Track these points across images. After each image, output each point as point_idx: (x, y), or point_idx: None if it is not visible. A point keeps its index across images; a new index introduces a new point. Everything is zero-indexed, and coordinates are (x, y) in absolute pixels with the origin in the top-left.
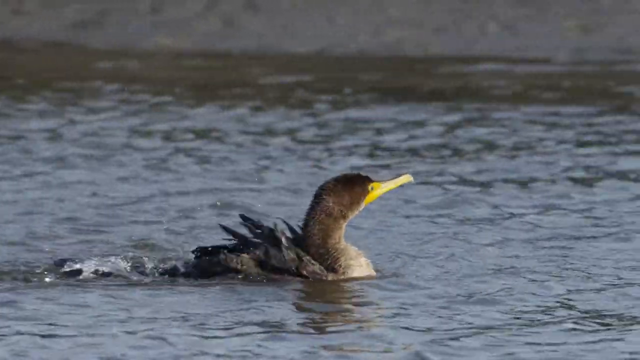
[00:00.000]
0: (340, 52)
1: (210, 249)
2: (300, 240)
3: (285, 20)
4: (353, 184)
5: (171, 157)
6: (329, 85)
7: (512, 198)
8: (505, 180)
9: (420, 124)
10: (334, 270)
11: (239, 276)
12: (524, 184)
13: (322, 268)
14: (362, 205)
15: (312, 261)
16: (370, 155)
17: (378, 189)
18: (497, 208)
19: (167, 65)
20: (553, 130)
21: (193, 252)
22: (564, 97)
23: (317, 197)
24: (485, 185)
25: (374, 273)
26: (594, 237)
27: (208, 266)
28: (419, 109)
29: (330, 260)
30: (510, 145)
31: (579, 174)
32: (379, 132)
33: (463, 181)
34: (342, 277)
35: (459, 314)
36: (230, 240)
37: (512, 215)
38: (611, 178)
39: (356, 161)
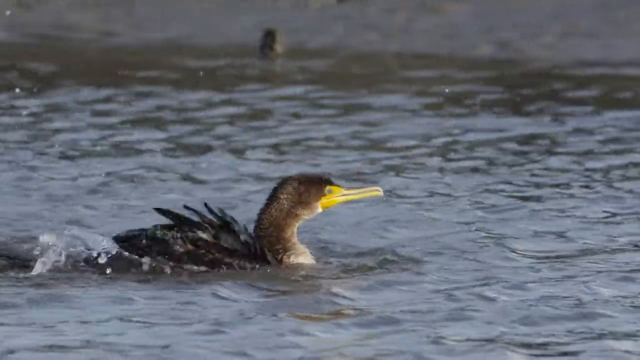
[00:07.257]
0: None
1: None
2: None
3: None
4: (309, 184)
5: None
6: None
7: None
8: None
9: None
10: (281, 263)
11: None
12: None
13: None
14: (318, 207)
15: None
16: None
17: (339, 195)
18: None
19: None
20: None
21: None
22: None
23: (273, 193)
24: None
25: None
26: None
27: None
28: None
29: (281, 254)
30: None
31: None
32: None
33: None
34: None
35: None
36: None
37: None
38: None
39: None
